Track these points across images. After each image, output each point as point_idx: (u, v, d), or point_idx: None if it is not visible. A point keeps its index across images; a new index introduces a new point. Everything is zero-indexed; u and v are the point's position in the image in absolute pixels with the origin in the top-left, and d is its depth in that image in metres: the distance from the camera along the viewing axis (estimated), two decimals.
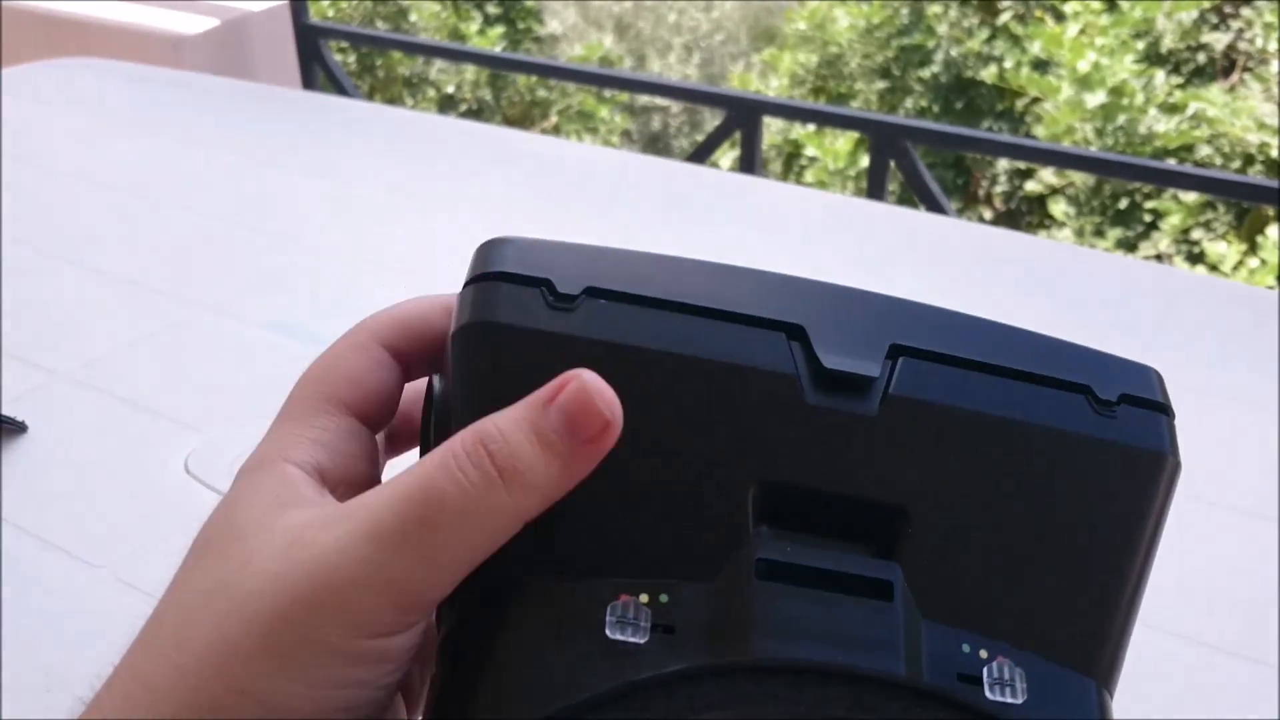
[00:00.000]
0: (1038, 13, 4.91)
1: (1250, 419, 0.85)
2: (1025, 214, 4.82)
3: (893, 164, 2.07)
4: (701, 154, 2.29)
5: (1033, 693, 0.24)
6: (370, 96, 5.35)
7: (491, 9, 5.94)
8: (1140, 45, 4.60)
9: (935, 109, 5.09)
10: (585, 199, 1.25)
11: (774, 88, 5.46)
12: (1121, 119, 4.39)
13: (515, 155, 1.38)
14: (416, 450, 0.31)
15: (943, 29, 5.08)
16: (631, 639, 0.24)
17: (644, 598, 0.24)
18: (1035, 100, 4.69)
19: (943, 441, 0.26)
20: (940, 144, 3.54)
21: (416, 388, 0.31)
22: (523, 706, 0.24)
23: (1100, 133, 4.41)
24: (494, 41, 5.67)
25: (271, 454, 0.28)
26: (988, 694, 0.24)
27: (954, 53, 5.03)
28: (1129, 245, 4.42)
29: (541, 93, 5.59)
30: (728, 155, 3.88)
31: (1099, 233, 4.46)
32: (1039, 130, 4.58)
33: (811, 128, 4.84)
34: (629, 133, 6.07)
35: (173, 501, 0.73)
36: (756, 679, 0.23)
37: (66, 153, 1.33)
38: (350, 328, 0.30)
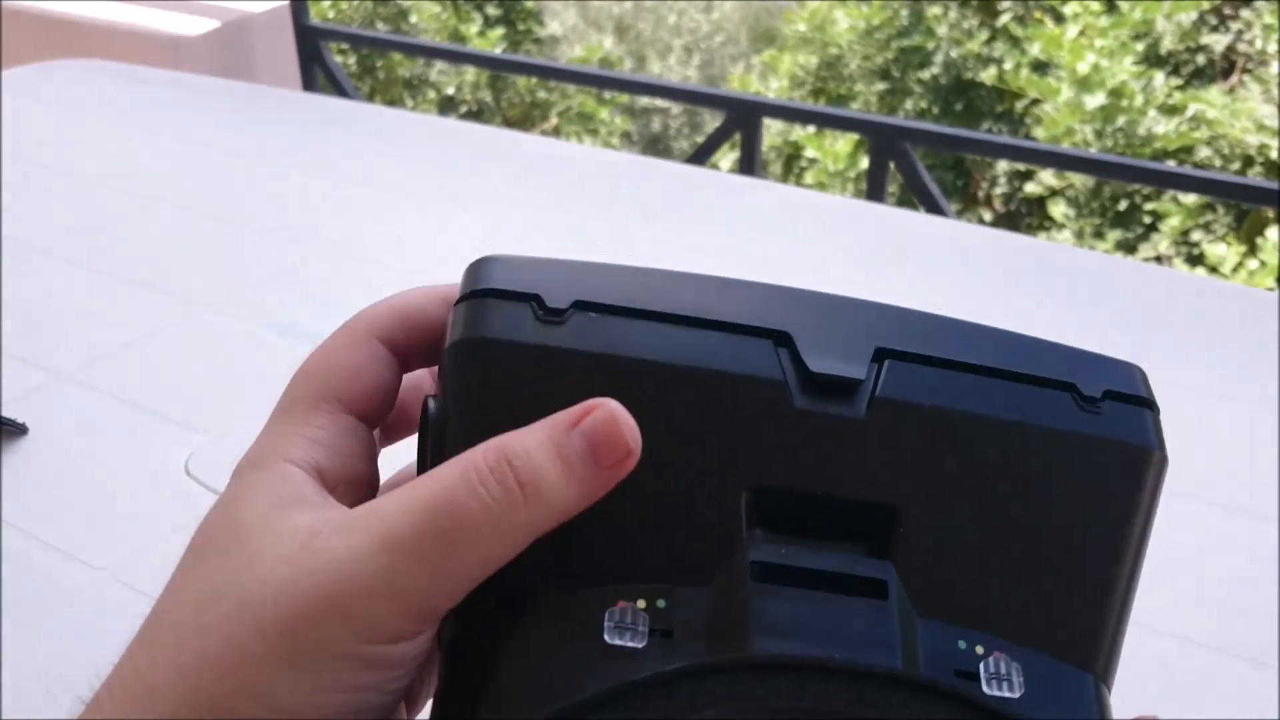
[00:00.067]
0: (1037, 14, 4.91)
1: (1249, 419, 0.85)
2: (1025, 215, 4.83)
3: (892, 166, 2.07)
4: (701, 155, 2.29)
5: (1030, 687, 0.24)
6: (370, 98, 5.35)
7: (491, 10, 5.94)
8: (1140, 47, 4.61)
9: (935, 111, 5.10)
10: (585, 200, 1.25)
11: (774, 89, 5.47)
12: (1121, 120, 4.40)
13: (515, 157, 1.39)
14: (410, 439, 0.31)
15: (942, 30, 5.08)
16: (630, 643, 0.24)
17: (641, 603, 0.25)
18: (1035, 102, 4.70)
19: (931, 442, 0.26)
20: (940, 146, 3.54)
21: (414, 378, 0.31)
22: (523, 708, 0.24)
23: (1100, 134, 4.42)
24: (494, 43, 5.68)
25: (269, 453, 0.28)
26: (985, 689, 0.24)
27: (954, 54, 5.04)
28: (1128, 247, 4.43)
29: (541, 94, 5.59)
30: (728, 157, 3.89)
31: (1099, 234, 4.46)
32: (1039, 132, 4.58)
33: (811, 129, 4.84)
34: (629, 134, 6.08)
35: (173, 501, 0.73)
36: (758, 675, 0.24)
37: (66, 153, 1.33)
38: (345, 323, 0.30)
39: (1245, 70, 4.77)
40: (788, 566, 0.25)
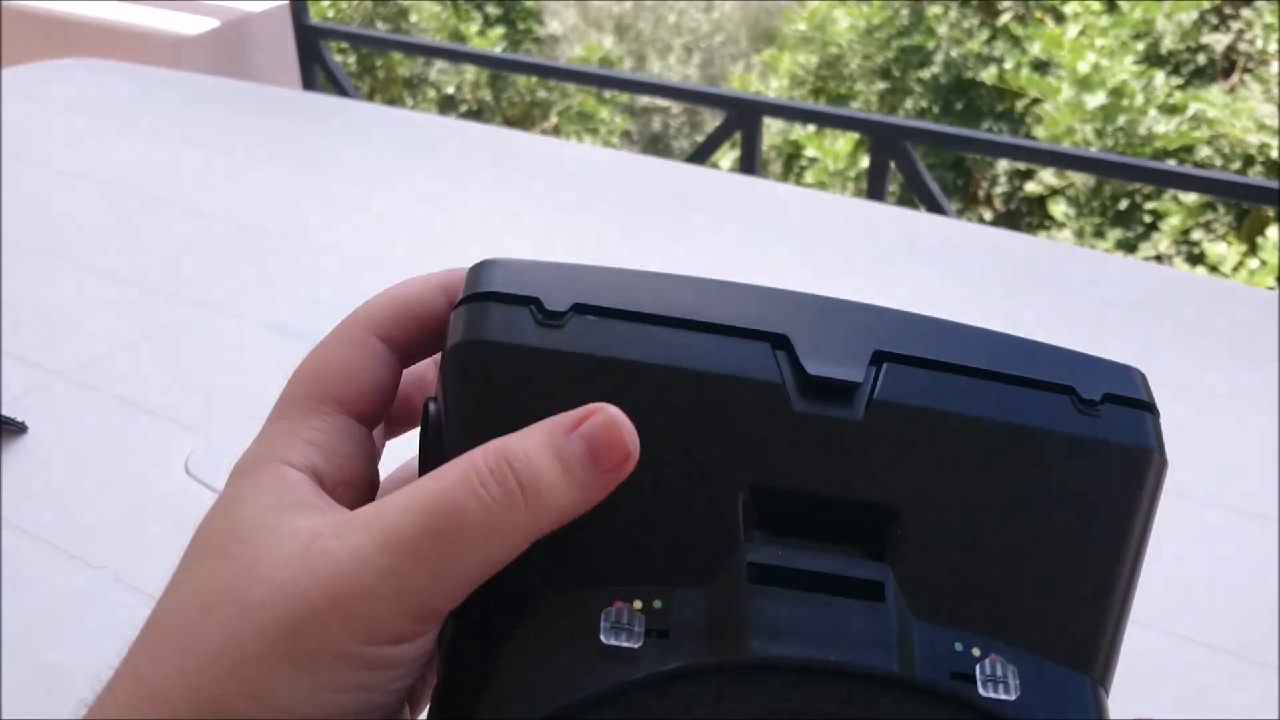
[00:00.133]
0: (1038, 14, 4.91)
1: (1249, 419, 0.85)
2: (1025, 215, 4.83)
3: (893, 165, 2.07)
4: (702, 155, 2.29)
5: (1026, 689, 0.25)
6: (370, 97, 5.35)
7: (491, 10, 5.94)
8: (1140, 46, 4.60)
9: (935, 110, 5.10)
10: (585, 200, 1.25)
11: (774, 89, 5.47)
12: (1121, 120, 4.39)
13: (515, 156, 1.38)
14: (412, 433, 0.31)
15: (943, 30, 5.08)
16: (626, 644, 0.24)
17: (638, 604, 0.25)
18: (1035, 101, 4.70)
19: (929, 444, 0.26)
20: (940, 145, 3.54)
21: (419, 370, 0.31)
22: (520, 708, 0.24)
23: (1100, 134, 4.42)
24: (494, 42, 5.67)
25: (267, 455, 0.28)
26: (981, 691, 0.24)
27: (954, 54, 5.03)
28: (1129, 246, 4.43)
29: (542, 93, 5.59)
30: (728, 156, 3.89)
31: (1099, 234, 4.46)
32: (1039, 131, 4.58)
33: (811, 129, 4.84)
34: (629, 133, 6.08)
35: (173, 501, 0.73)
36: (750, 677, 0.24)
37: (66, 153, 1.33)
38: (343, 319, 0.30)
39: (1246, 70, 4.77)
40: (785, 568, 0.25)
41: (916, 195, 2.08)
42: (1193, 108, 4.42)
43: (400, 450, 0.32)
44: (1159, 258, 4.35)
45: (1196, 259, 4.30)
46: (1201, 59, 4.82)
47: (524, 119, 5.60)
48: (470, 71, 5.63)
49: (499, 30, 5.81)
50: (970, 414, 0.26)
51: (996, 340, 0.28)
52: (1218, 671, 0.63)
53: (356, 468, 0.29)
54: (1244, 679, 0.62)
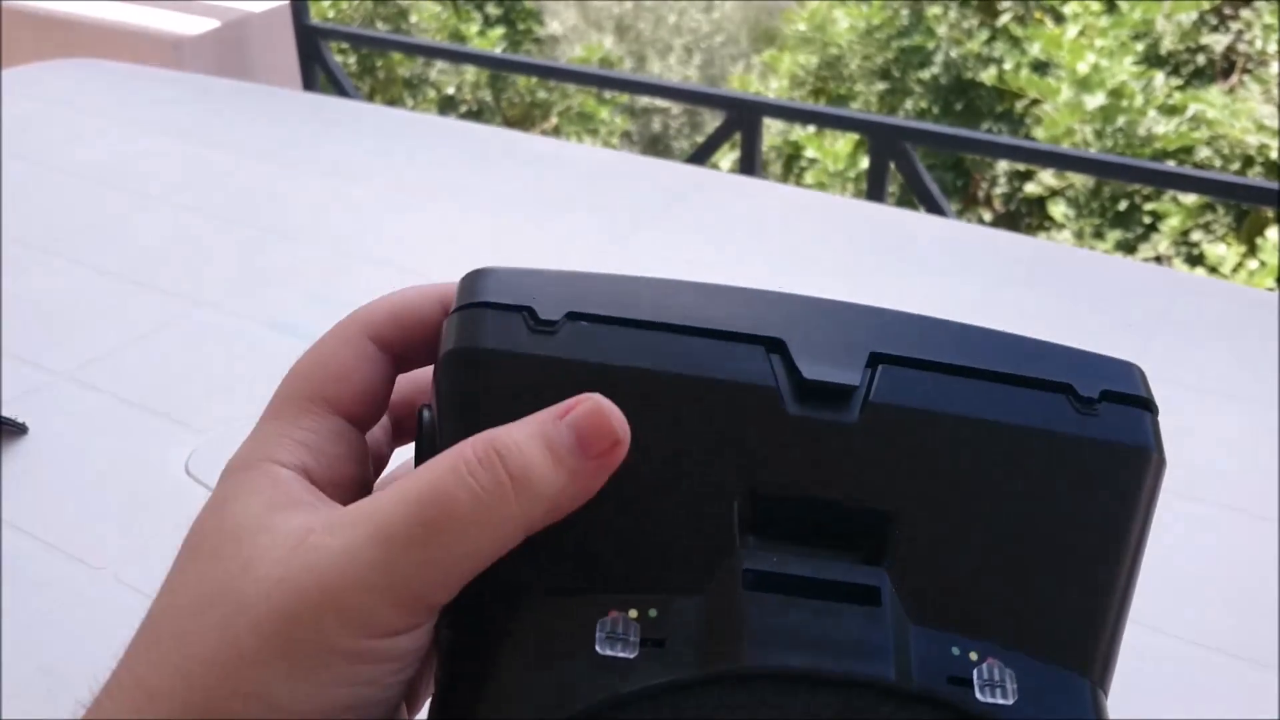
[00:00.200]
0: (1037, 14, 4.91)
1: (1250, 419, 0.85)
2: (1025, 216, 4.83)
3: (892, 166, 2.07)
4: (701, 155, 2.29)
5: (1024, 693, 0.24)
6: (370, 97, 5.35)
7: (492, 10, 5.94)
8: (1140, 47, 4.60)
9: (935, 110, 5.10)
10: (585, 200, 1.25)
11: (774, 89, 5.47)
12: (1121, 121, 4.39)
13: (515, 156, 1.38)
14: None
15: (942, 30, 5.08)
16: (621, 654, 0.24)
17: (633, 613, 0.25)
18: (1035, 102, 4.70)
19: (925, 446, 0.26)
20: (940, 146, 3.54)
21: (422, 378, 0.31)
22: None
23: (1100, 134, 4.42)
24: (494, 43, 5.67)
25: (258, 455, 0.28)
26: (978, 696, 0.24)
27: (954, 54, 5.03)
28: (1128, 247, 4.42)
29: (542, 94, 5.59)
30: (728, 157, 3.89)
31: (1098, 234, 4.46)
32: (1038, 132, 4.58)
33: (811, 129, 4.84)
34: (629, 134, 6.07)
35: (173, 501, 0.73)
36: (744, 687, 0.24)
37: (66, 153, 1.33)
38: (339, 321, 0.30)
39: (1245, 70, 4.77)
40: (780, 574, 0.25)
41: (916, 196, 2.08)
42: (1192, 108, 4.42)
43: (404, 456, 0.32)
44: (1158, 259, 4.35)
45: (1196, 260, 4.30)
46: (1201, 60, 4.82)
47: (524, 119, 5.60)
48: (470, 72, 5.63)
49: (499, 30, 5.81)
50: (967, 415, 0.26)
51: (993, 338, 0.28)
52: (1218, 671, 0.63)
53: (346, 468, 0.29)
54: (1244, 679, 0.62)
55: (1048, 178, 4.60)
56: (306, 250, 1.10)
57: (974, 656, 0.25)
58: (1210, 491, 0.76)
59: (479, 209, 1.21)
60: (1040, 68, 4.71)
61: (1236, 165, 4.38)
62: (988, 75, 4.81)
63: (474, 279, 0.28)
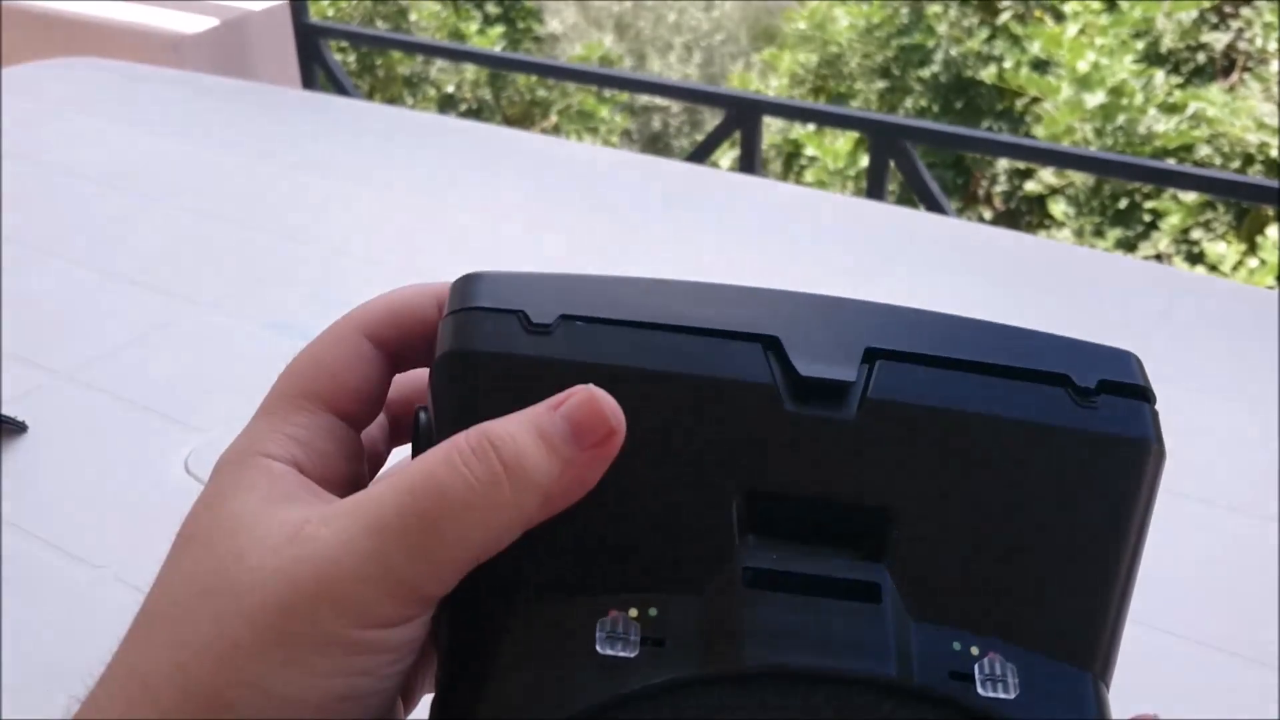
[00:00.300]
0: (1037, 13, 4.91)
1: (1249, 418, 0.85)
2: (1025, 214, 4.82)
3: (892, 164, 2.07)
4: (701, 154, 2.29)
5: (1025, 687, 0.24)
6: (370, 96, 5.35)
7: (491, 9, 5.94)
8: (1140, 45, 4.60)
9: (935, 109, 5.09)
10: (585, 199, 1.25)
11: (774, 87, 5.46)
12: (1121, 119, 4.39)
13: (515, 155, 1.38)
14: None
15: (942, 29, 5.08)
16: (622, 653, 0.24)
17: (633, 612, 0.25)
18: (1035, 100, 4.69)
19: (924, 442, 0.26)
20: (940, 144, 3.54)
21: (420, 378, 0.31)
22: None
23: (1100, 133, 4.41)
24: (494, 41, 5.67)
25: (250, 449, 0.28)
26: (979, 690, 0.24)
27: (954, 52, 5.03)
28: (1129, 245, 4.42)
29: (541, 92, 5.59)
30: (728, 155, 3.88)
31: (1099, 233, 4.46)
32: (1039, 130, 4.57)
33: (811, 127, 4.84)
34: (629, 132, 6.07)
35: (173, 501, 0.73)
36: (744, 686, 0.24)
37: (66, 152, 1.33)
38: (336, 320, 0.30)
39: (1245, 68, 4.76)
40: (780, 572, 0.25)
41: (916, 194, 2.08)
42: (1192, 107, 4.42)
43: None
44: (1159, 257, 4.35)
45: (1196, 258, 4.30)
46: (1201, 58, 4.82)
47: (524, 118, 5.59)
48: (470, 70, 5.62)
49: (499, 29, 5.80)
50: (965, 410, 0.26)
51: (991, 330, 0.28)
52: (1218, 671, 0.63)
53: (338, 465, 0.29)
54: (1244, 679, 0.62)
55: (1048, 176, 4.60)
56: (306, 249, 1.10)
57: (975, 651, 0.25)
58: (1210, 491, 0.76)
59: (479, 207, 1.21)
60: (1040, 66, 4.71)
61: (1237, 163, 4.38)
62: (988, 74, 4.81)
63: (465, 283, 0.28)
